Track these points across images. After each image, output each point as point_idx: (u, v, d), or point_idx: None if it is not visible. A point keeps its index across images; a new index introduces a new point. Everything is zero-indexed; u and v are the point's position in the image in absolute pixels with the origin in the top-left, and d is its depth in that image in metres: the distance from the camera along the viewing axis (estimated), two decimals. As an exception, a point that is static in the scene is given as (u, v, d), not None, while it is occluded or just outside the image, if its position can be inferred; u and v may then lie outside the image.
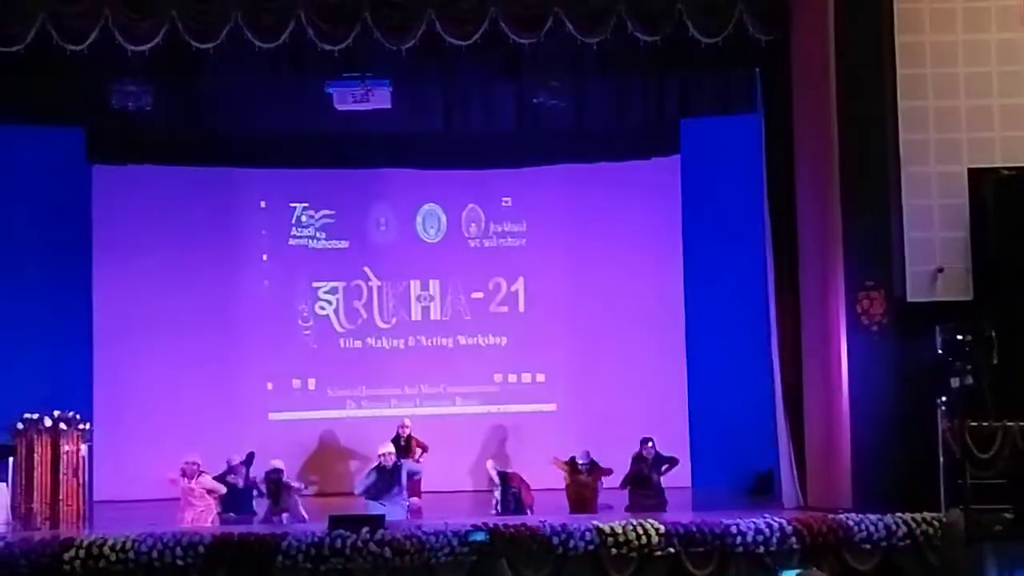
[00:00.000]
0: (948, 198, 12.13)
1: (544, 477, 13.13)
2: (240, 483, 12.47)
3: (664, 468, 12.76)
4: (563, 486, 12.82)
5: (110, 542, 10.02)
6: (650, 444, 12.70)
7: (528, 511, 12.40)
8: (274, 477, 12.41)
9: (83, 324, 14.90)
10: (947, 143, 12.20)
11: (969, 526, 5.01)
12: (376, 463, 12.08)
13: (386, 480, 11.94)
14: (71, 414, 12.19)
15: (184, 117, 13.83)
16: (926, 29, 12.29)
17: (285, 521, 12.05)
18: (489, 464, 13.08)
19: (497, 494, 12.64)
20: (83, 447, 12.35)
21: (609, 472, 12.73)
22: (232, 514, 12.29)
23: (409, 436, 13.54)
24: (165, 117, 13.48)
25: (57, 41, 11.70)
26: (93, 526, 11.98)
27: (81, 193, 14.97)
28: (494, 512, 12.46)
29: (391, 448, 12.31)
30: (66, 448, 11.95)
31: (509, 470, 12.85)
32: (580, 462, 12.70)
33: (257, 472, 12.61)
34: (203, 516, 12.03)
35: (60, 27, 11.65)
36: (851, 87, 11.79)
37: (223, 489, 12.21)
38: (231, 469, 12.55)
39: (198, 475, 12.07)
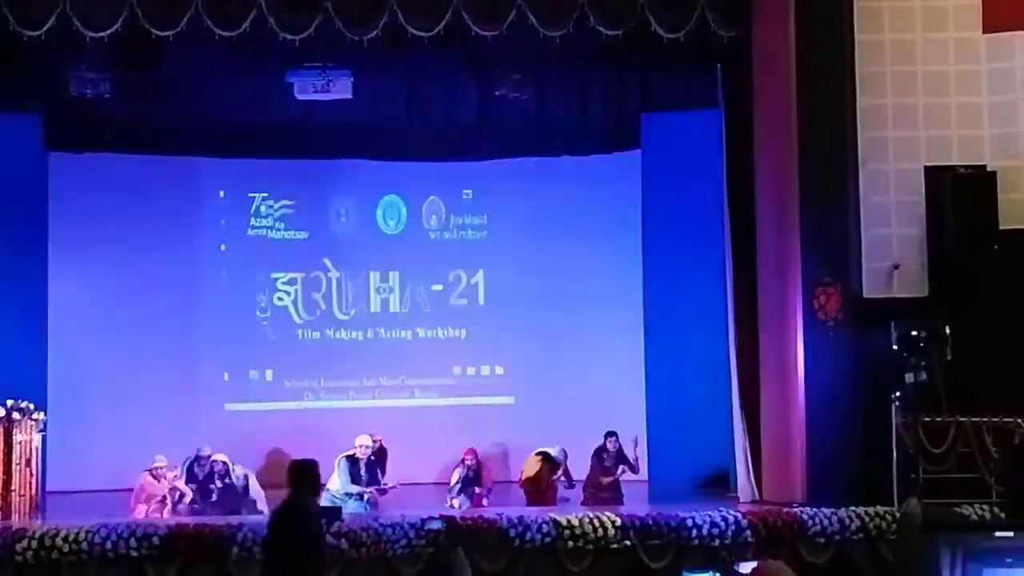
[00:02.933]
0: (905, 195, 12.25)
1: (500, 470, 13.15)
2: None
3: (621, 469, 12.79)
4: (518, 480, 12.87)
5: (63, 533, 9.94)
6: (614, 438, 12.73)
7: (485, 492, 12.55)
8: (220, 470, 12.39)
9: (38, 313, 14.74)
10: (905, 141, 12.31)
11: (926, 516, 5.12)
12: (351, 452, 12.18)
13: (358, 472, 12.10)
14: (25, 403, 12.07)
15: (143, 105, 13.71)
16: (885, 27, 12.39)
17: (243, 512, 12.01)
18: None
19: (458, 472, 12.76)
20: (36, 437, 12.24)
21: (571, 486, 12.81)
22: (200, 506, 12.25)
23: (380, 447, 13.47)
24: (124, 105, 13.36)
25: (14, 27, 11.55)
26: (46, 517, 11.87)
27: (37, 181, 14.79)
28: (452, 488, 12.63)
29: (368, 442, 12.37)
30: (19, 438, 11.82)
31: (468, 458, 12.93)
32: (555, 456, 12.75)
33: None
34: (158, 509, 11.96)
35: (17, 12, 11.50)
36: (811, 84, 11.86)
37: (189, 493, 12.17)
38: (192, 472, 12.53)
39: (166, 477, 12.06)
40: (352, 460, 12.30)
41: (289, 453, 14.22)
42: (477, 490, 12.64)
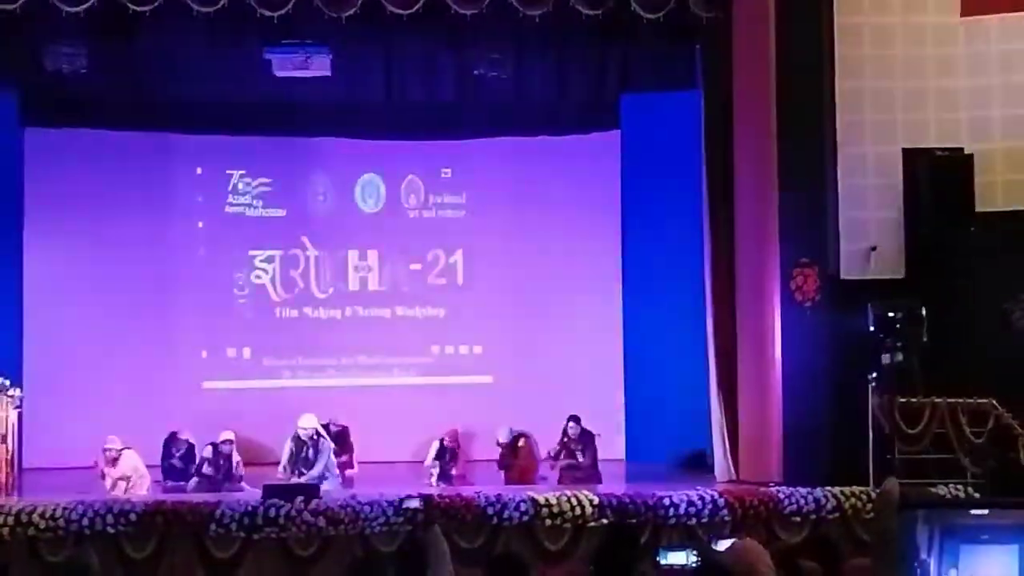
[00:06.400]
0: (883, 178, 12.31)
1: (479, 448, 13.19)
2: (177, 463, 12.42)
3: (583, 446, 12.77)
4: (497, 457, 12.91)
5: (40, 509, 9.92)
6: (575, 423, 12.70)
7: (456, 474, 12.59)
8: (227, 451, 12.34)
9: (13, 289, 14.65)
10: (882, 123, 12.37)
11: (903, 495, 5.19)
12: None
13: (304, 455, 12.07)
14: (0, 380, 12.01)
15: (120, 81, 13.58)
16: (865, 10, 12.43)
17: (221, 490, 12.00)
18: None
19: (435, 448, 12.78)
20: (12, 413, 12.19)
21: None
22: (170, 482, 12.21)
23: (342, 431, 13.45)
24: (100, 80, 13.23)
25: (-11, 0, 11.48)
26: (22, 493, 11.84)
27: (13, 156, 14.67)
28: (429, 468, 12.60)
29: (311, 424, 12.34)
30: (-5, 414, 11.80)
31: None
32: (501, 440, 12.73)
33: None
34: (136, 486, 11.91)
35: (-8, -15, 11.42)
36: (790, 66, 11.89)
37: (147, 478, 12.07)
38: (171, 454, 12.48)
39: (115, 461, 11.91)
40: (297, 440, 12.27)
41: (266, 431, 14.31)
42: (454, 472, 12.62)
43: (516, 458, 12.72)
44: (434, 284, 15.65)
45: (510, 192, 15.53)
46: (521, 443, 12.73)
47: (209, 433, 12.71)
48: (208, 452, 12.32)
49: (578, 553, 10.14)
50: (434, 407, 14.60)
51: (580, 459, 12.55)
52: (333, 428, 13.17)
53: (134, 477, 11.90)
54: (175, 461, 12.46)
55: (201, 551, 9.97)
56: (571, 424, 12.64)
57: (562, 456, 12.58)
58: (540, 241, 15.40)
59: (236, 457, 12.42)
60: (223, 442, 12.38)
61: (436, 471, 12.59)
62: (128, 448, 12.03)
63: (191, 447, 12.53)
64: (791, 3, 11.92)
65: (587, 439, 12.66)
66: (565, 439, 12.62)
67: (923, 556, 4.36)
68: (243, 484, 12.21)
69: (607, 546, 6.05)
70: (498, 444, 12.75)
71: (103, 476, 11.89)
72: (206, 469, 12.26)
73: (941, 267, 11.97)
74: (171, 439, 12.56)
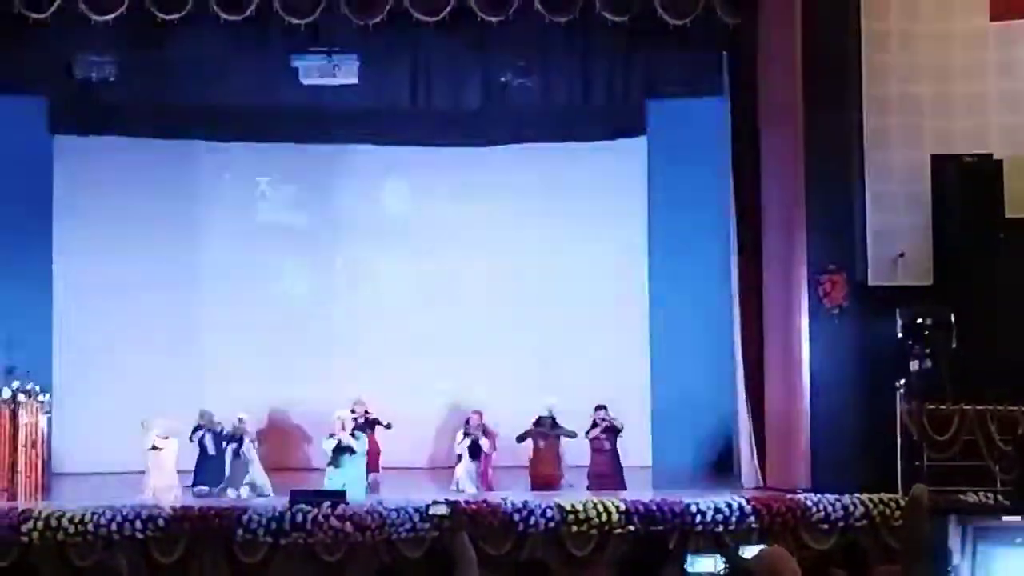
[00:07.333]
0: (911, 184, 12.24)
1: (506, 454, 13.19)
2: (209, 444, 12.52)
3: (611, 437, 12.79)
4: (526, 462, 12.90)
5: (69, 514, 9.99)
6: (603, 411, 12.74)
7: (491, 450, 12.67)
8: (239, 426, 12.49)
9: (43, 296, 14.76)
10: (910, 129, 12.29)
11: (932, 502, 5.18)
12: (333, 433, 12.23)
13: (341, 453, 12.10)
14: (30, 386, 12.09)
15: (148, 88, 13.65)
16: (892, 15, 12.36)
17: (246, 495, 12.03)
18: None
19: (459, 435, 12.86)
20: (42, 419, 12.28)
21: (572, 435, 12.80)
22: (205, 487, 12.26)
23: (366, 417, 13.46)
24: (129, 88, 13.31)
25: (20, 9, 11.58)
26: (52, 498, 11.91)
27: (43, 164, 14.80)
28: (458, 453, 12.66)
29: (348, 415, 12.39)
30: (25, 420, 11.88)
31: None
32: (543, 416, 12.80)
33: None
34: (166, 491, 11.95)
35: (23, -6, 11.52)
36: (816, 72, 11.86)
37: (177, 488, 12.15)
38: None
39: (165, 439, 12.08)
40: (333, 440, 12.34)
41: (294, 436, 14.37)
42: (484, 448, 12.61)
43: (544, 433, 12.73)
44: (460, 290, 15.66)
45: (536, 198, 15.53)
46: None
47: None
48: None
49: (604, 559, 10.12)
50: (458, 413, 14.59)
51: (606, 446, 12.54)
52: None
53: (165, 452, 11.99)
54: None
55: (228, 556, 10.03)
56: (599, 413, 12.65)
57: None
58: (566, 247, 15.39)
59: (249, 436, 12.49)
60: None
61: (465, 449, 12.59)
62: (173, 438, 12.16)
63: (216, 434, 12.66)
64: (818, 9, 11.88)
65: (612, 431, 12.66)
66: (595, 425, 12.66)
67: (955, 561, 4.33)
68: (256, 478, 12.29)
69: (633, 553, 6.04)
70: (537, 421, 12.78)
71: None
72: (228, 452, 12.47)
73: (970, 273, 11.88)
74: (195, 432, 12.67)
